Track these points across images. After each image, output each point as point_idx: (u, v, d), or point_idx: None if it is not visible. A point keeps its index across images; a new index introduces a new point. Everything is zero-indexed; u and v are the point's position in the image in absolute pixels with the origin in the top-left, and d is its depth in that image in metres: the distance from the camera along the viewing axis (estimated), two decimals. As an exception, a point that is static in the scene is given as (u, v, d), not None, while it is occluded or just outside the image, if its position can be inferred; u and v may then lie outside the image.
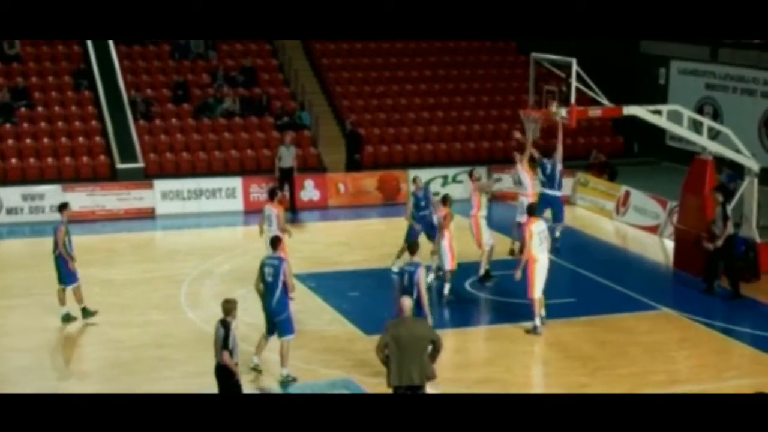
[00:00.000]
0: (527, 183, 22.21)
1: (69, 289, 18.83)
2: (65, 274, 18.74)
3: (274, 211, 19.91)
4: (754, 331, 18.52)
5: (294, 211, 27.18)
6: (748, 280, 21.07)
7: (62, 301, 18.85)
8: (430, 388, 14.57)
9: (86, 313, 18.92)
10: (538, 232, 18.14)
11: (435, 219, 21.09)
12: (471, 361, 17.47)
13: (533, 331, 18.16)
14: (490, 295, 20.41)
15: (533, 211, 18.69)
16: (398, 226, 25.64)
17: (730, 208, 22.09)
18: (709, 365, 17.01)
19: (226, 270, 22.13)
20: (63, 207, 19.28)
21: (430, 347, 13.14)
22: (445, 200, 20.40)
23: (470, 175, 22.03)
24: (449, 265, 19.85)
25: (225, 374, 13.73)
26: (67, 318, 18.79)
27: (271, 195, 20.42)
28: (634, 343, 17.96)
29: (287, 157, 27.58)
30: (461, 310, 19.66)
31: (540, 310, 18.27)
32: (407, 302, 13.24)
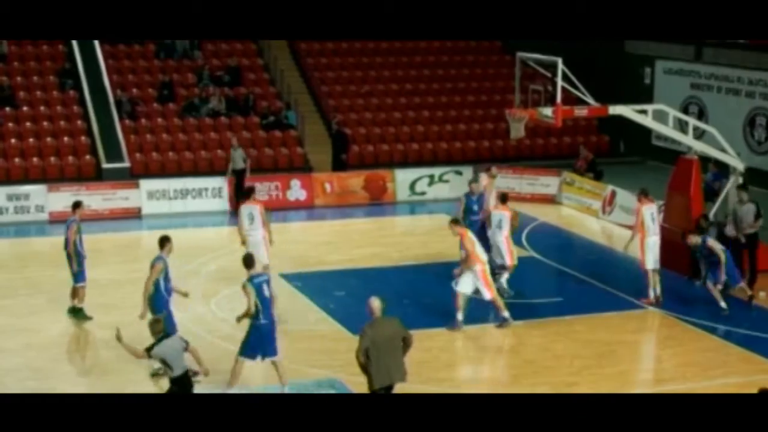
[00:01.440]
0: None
1: (76, 287, 18.94)
2: (75, 271, 18.93)
3: (256, 207, 19.92)
4: (739, 330, 18.55)
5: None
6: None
7: (81, 299, 19.01)
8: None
9: (80, 314, 18.90)
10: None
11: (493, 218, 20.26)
12: (458, 361, 17.47)
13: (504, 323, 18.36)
14: (477, 294, 20.38)
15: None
16: (384, 225, 25.72)
17: (715, 207, 22.20)
18: (695, 364, 17.03)
19: (212, 270, 22.08)
20: (76, 205, 19.40)
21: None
22: (505, 199, 20.28)
23: (487, 170, 21.50)
24: (509, 260, 19.95)
25: (188, 380, 13.60)
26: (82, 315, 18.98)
27: (248, 193, 20.46)
28: (620, 342, 18.00)
29: (237, 159, 27.48)
30: (450, 310, 19.63)
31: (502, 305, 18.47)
32: (376, 303, 13.13)
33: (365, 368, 13.00)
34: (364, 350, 12.89)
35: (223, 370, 16.60)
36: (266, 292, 15.21)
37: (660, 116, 22.15)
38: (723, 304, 19.08)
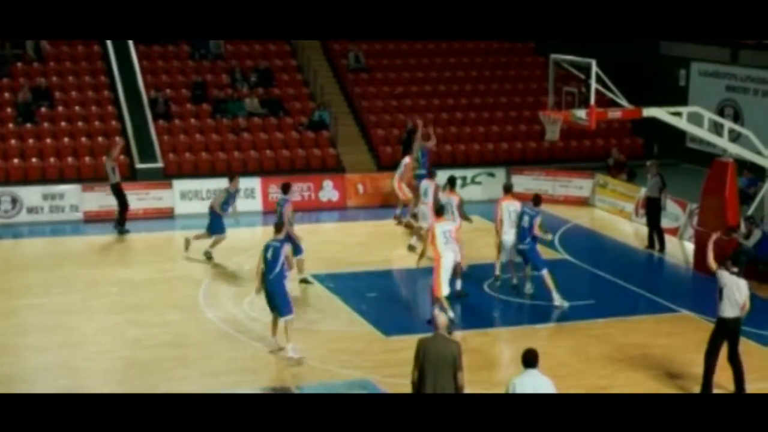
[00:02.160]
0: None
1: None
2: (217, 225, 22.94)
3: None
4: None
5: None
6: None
7: (187, 246, 22.97)
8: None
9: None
10: (442, 231, 18.38)
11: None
12: (491, 363, 17.41)
13: (451, 327, 17.12)
14: (508, 296, 20.34)
15: (441, 211, 19.04)
16: (417, 227, 25.57)
17: (751, 210, 22.05)
18: (729, 368, 16.83)
19: (246, 270, 22.12)
20: (231, 177, 23.61)
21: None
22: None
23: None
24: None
25: None
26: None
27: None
28: (653, 346, 17.89)
29: None
30: (480, 311, 19.61)
31: (448, 310, 18.19)
32: (442, 318, 12.58)
33: (414, 388, 12.30)
34: (417, 367, 12.22)
35: (256, 370, 16.68)
36: (268, 255, 16.78)
37: (695, 118, 22.01)
38: None
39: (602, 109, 21.97)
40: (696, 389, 15.69)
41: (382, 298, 20.38)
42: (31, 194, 26.80)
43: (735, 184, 21.86)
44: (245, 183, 27.87)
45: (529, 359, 11.82)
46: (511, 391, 11.56)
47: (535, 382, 11.62)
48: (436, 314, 12.75)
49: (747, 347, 17.74)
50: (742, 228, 21.29)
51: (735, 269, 15.39)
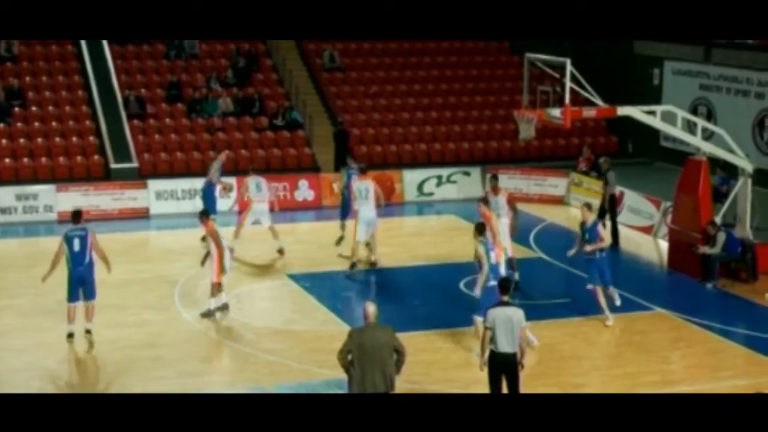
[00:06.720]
0: None
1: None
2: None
3: None
4: (748, 332, 18.54)
5: None
6: (746, 281, 21.15)
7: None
8: None
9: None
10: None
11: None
12: (466, 361, 17.44)
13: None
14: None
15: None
16: (392, 226, 25.62)
17: (724, 209, 22.20)
18: (703, 365, 17.02)
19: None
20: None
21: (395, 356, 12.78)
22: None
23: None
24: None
25: None
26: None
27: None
28: (628, 343, 17.98)
29: None
30: (455, 310, 19.62)
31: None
32: (371, 308, 12.95)
33: (347, 370, 12.82)
34: (346, 352, 12.71)
35: (232, 370, 16.68)
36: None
37: (668, 117, 22.12)
38: None
39: (577, 107, 22.04)
40: (671, 388, 15.77)
41: (358, 298, 20.39)
42: (4, 195, 26.67)
43: (708, 182, 22.00)
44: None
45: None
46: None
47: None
48: (366, 305, 13.01)
49: (720, 345, 17.91)
50: (710, 230, 21.23)
51: (506, 298, 14.16)
